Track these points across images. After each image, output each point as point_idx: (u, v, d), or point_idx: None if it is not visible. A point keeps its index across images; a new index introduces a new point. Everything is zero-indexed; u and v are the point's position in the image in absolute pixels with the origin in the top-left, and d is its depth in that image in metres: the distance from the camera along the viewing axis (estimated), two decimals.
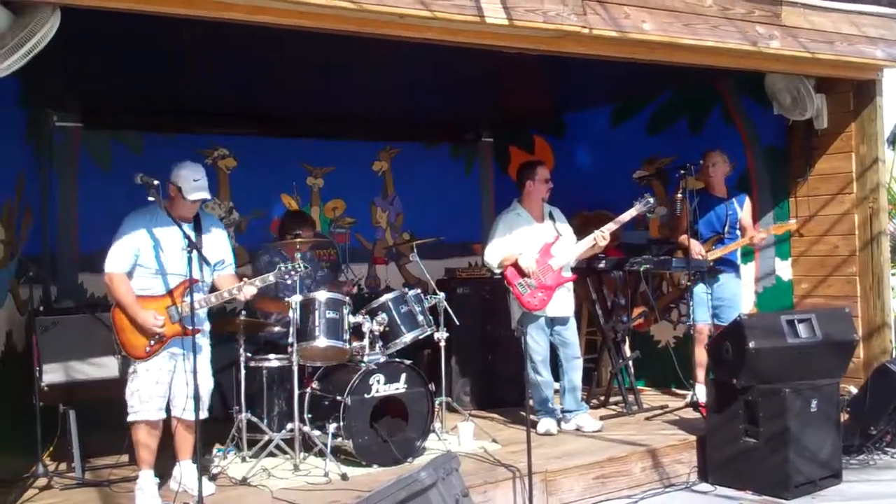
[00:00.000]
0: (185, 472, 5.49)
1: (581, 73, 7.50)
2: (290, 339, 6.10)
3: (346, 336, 6.29)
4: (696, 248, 7.39)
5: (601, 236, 6.82)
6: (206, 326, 5.65)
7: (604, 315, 8.04)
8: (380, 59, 6.80)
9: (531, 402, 6.85)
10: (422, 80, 7.97)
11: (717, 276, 7.55)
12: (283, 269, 5.74)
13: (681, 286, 7.51)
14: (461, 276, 8.54)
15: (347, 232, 9.99)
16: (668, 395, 8.24)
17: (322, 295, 6.31)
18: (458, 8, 5.15)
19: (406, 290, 6.84)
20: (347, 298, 6.43)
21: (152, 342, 5.33)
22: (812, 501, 5.83)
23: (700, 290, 7.49)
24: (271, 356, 6.55)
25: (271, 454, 6.08)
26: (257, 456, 6.03)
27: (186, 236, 5.07)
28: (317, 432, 6.11)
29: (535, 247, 6.86)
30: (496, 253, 6.88)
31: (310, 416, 6.25)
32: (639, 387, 8.01)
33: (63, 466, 6.13)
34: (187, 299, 5.10)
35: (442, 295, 6.93)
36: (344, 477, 5.68)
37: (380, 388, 6.13)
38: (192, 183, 5.37)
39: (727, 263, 7.62)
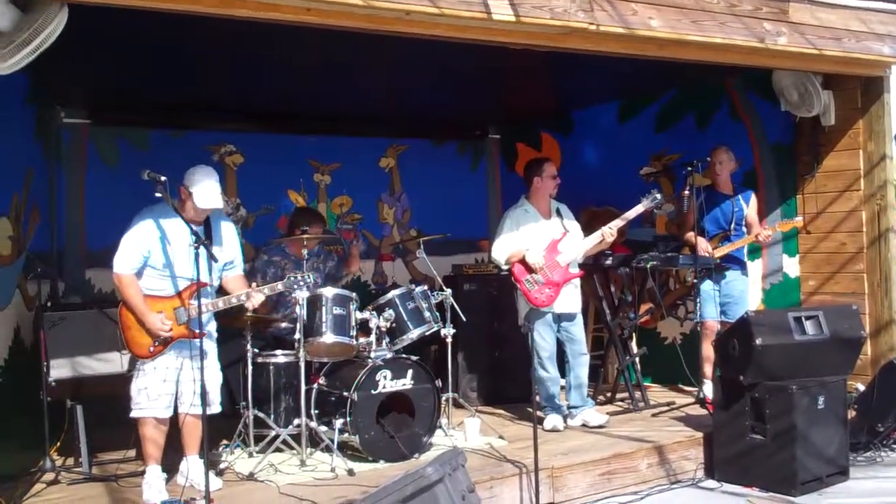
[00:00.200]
0: (191, 467, 5.50)
1: (588, 69, 7.49)
2: (297, 335, 6.12)
3: (353, 332, 6.30)
4: (703, 246, 7.38)
5: (609, 232, 6.82)
6: (213, 327, 5.66)
7: (610, 311, 8.04)
8: (387, 56, 6.79)
9: (538, 398, 6.86)
10: (429, 77, 7.96)
11: (724, 273, 7.55)
12: (292, 278, 5.76)
13: (688, 283, 7.49)
14: (468, 273, 8.55)
15: (354, 228, 9.99)
16: (675, 391, 8.24)
17: (329, 291, 6.32)
18: (465, 4, 5.15)
19: (413, 286, 6.85)
20: (354, 294, 6.44)
21: (157, 342, 5.34)
22: (819, 498, 5.81)
23: (708, 286, 7.48)
24: (278, 352, 6.57)
25: (278, 449, 6.10)
26: (264, 451, 6.04)
27: (194, 232, 5.08)
28: (323, 428, 6.13)
29: (543, 243, 6.86)
30: (503, 249, 6.88)
31: (316, 411, 6.26)
32: (645, 383, 8.00)
33: (70, 461, 6.15)
34: (195, 302, 5.10)
35: (449, 291, 6.93)
36: (350, 472, 5.69)
37: (386, 383, 6.14)
38: (206, 191, 5.36)
39: (734, 260, 7.62)
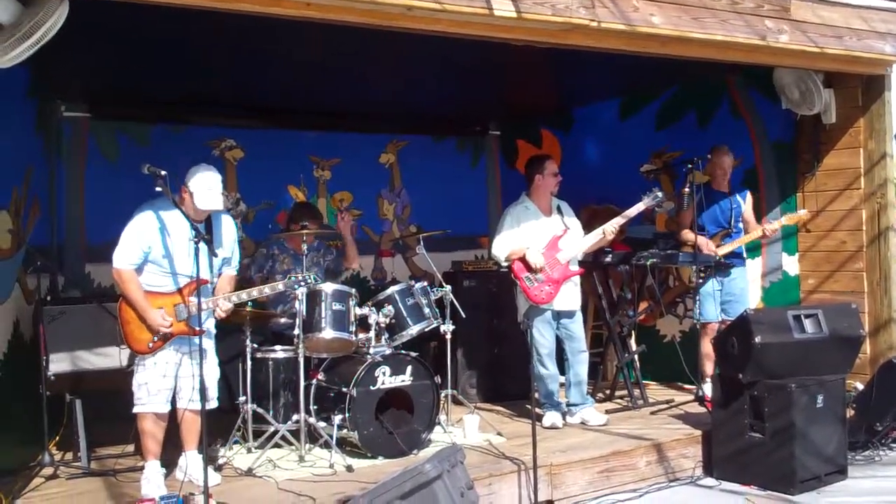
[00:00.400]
0: (190, 462, 5.50)
1: (589, 66, 7.49)
2: (296, 331, 6.11)
3: (353, 328, 6.30)
4: (707, 245, 7.38)
5: (610, 230, 6.83)
6: (212, 324, 5.66)
7: (610, 309, 8.04)
8: (388, 52, 6.79)
9: (537, 395, 6.86)
10: (430, 73, 7.96)
11: (729, 271, 7.55)
12: (293, 278, 5.76)
13: (692, 283, 7.46)
14: (468, 269, 8.54)
15: (354, 224, 9.98)
16: (674, 389, 8.23)
17: (328, 286, 6.31)
18: (467, 0, 5.14)
19: (412, 282, 6.84)
20: (354, 290, 6.44)
21: (156, 338, 5.34)
22: (817, 497, 5.81)
23: (710, 286, 7.48)
24: (277, 347, 6.57)
25: (277, 445, 6.10)
26: (263, 447, 6.04)
27: (195, 228, 5.07)
28: (322, 424, 6.14)
29: (543, 240, 6.86)
30: (504, 246, 6.88)
31: (315, 407, 6.26)
32: (644, 381, 7.99)
33: (69, 456, 6.15)
34: (194, 299, 5.10)
35: (448, 287, 6.92)
36: (349, 468, 5.69)
37: (385, 380, 6.14)
38: (206, 192, 5.35)
39: (737, 257, 7.62)
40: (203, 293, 5.17)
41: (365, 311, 6.40)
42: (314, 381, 6.36)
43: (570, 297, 6.91)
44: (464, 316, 6.99)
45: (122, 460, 5.97)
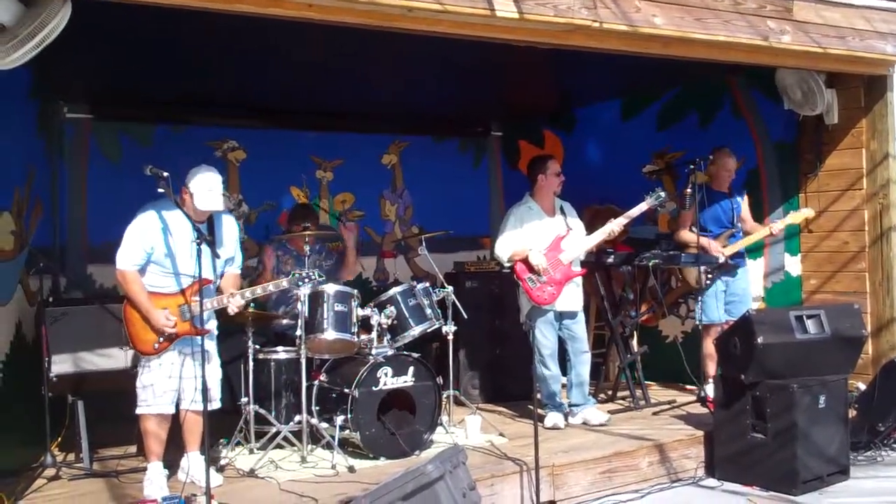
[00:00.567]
0: (192, 463, 5.51)
1: (591, 67, 7.49)
2: (298, 332, 6.12)
3: (355, 329, 6.31)
4: (715, 246, 7.37)
5: (617, 229, 6.83)
6: (214, 325, 5.66)
7: (612, 310, 8.04)
8: (389, 53, 6.78)
9: (539, 396, 6.86)
10: (431, 74, 7.96)
11: (735, 272, 7.55)
12: (297, 275, 5.75)
13: (699, 286, 7.43)
14: (470, 270, 8.54)
15: (356, 225, 9.97)
16: (676, 389, 8.22)
17: (331, 287, 6.31)
18: (468, 1, 5.14)
19: (414, 283, 6.85)
20: (356, 291, 6.44)
21: (161, 339, 5.34)
22: (819, 497, 5.81)
23: (716, 287, 7.47)
24: (279, 348, 6.57)
25: (279, 446, 6.10)
26: (265, 448, 6.05)
27: (197, 229, 5.08)
28: (324, 424, 6.14)
29: (546, 241, 6.86)
30: (507, 247, 6.88)
31: (317, 408, 6.26)
32: (646, 381, 7.99)
33: (71, 457, 6.15)
34: (198, 299, 5.10)
35: (450, 288, 6.92)
36: (351, 469, 5.69)
37: (387, 380, 6.14)
38: (206, 193, 5.34)
39: (740, 257, 7.62)
40: (206, 293, 5.17)
41: (367, 311, 6.40)
42: (316, 382, 6.36)
43: (572, 297, 6.91)
44: (466, 317, 6.99)
45: (124, 461, 5.97)
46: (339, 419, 6.00)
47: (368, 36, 5.47)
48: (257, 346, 6.42)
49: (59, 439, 6.23)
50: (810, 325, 6.15)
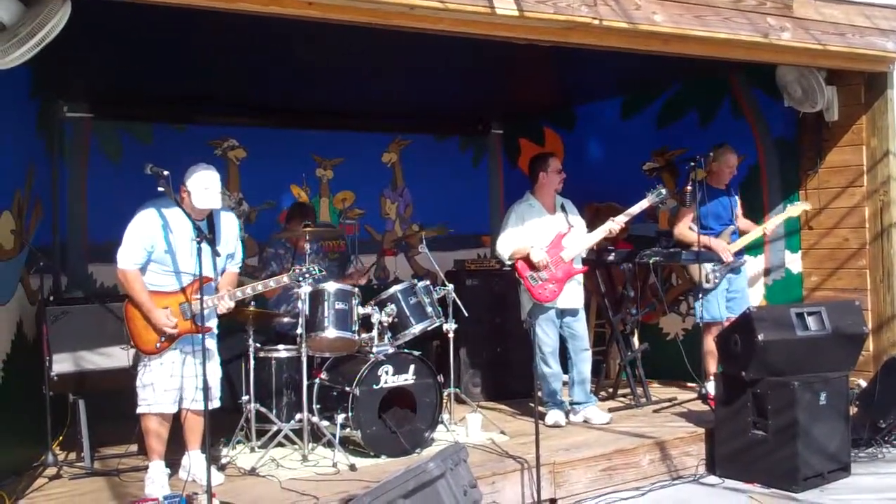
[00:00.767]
0: (193, 461, 5.51)
1: (591, 64, 7.48)
2: (299, 330, 6.12)
3: (355, 327, 6.31)
4: (723, 246, 7.37)
5: (616, 228, 6.83)
6: (214, 323, 5.65)
7: (612, 307, 8.03)
8: (390, 51, 6.78)
9: (540, 393, 6.85)
10: (432, 72, 7.95)
11: (739, 269, 7.55)
12: (297, 271, 5.74)
13: (708, 284, 7.40)
14: (470, 268, 8.54)
15: (357, 223, 9.98)
16: (677, 387, 8.22)
17: (331, 286, 6.32)
18: None
19: (415, 281, 6.84)
20: (356, 289, 6.44)
21: (163, 338, 5.34)
22: (820, 494, 5.80)
23: (721, 285, 7.47)
24: (280, 347, 6.58)
25: (280, 444, 6.10)
26: (266, 446, 6.05)
27: (197, 227, 5.08)
28: (325, 423, 6.14)
29: (547, 238, 6.86)
30: (508, 244, 6.88)
31: (318, 406, 6.26)
32: (647, 379, 7.98)
33: (72, 456, 6.16)
34: (199, 297, 5.09)
35: (451, 286, 6.93)
36: (352, 467, 5.69)
37: (388, 378, 6.14)
38: (203, 191, 5.34)
39: (740, 254, 7.62)
40: (206, 291, 5.17)
41: (368, 310, 6.40)
42: (317, 381, 6.36)
43: (573, 295, 6.91)
44: (466, 315, 7.00)
45: (125, 460, 5.97)
46: (340, 417, 6.00)
47: (369, 34, 5.47)
48: (258, 345, 6.43)
49: (61, 438, 6.25)
50: (811, 321, 6.15)
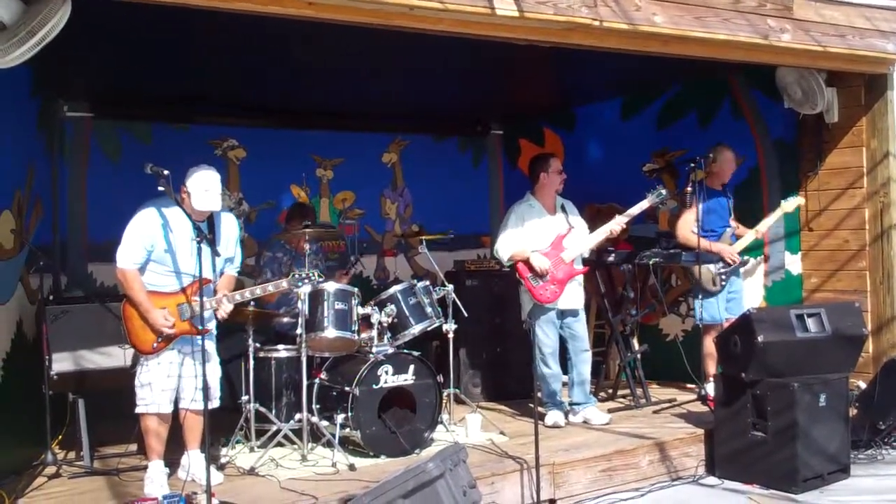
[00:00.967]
0: (193, 461, 5.51)
1: (591, 65, 7.48)
2: (298, 330, 6.12)
3: (355, 327, 6.31)
4: (730, 251, 7.37)
5: (617, 228, 6.83)
6: (213, 324, 5.64)
7: (612, 308, 8.03)
8: (389, 51, 6.78)
9: (539, 394, 6.85)
10: (432, 73, 7.95)
11: (738, 271, 7.56)
12: (296, 276, 5.75)
13: (715, 287, 7.39)
14: (470, 269, 8.53)
15: (357, 223, 9.99)
16: (676, 388, 8.21)
17: (331, 286, 6.32)
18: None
19: (415, 281, 6.84)
20: (356, 290, 6.44)
21: (160, 339, 5.34)
22: (820, 496, 5.80)
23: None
24: (280, 347, 6.58)
25: (279, 444, 6.10)
26: (265, 446, 6.05)
27: (197, 227, 5.08)
28: (325, 423, 6.14)
29: (548, 239, 6.86)
30: (507, 246, 6.87)
31: (318, 406, 6.26)
32: (646, 380, 7.97)
33: (72, 455, 6.17)
34: (197, 299, 5.09)
35: (451, 287, 6.93)
36: (352, 467, 5.69)
37: (388, 379, 6.14)
38: (203, 193, 5.33)
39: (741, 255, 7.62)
40: (205, 293, 5.17)
41: (367, 310, 6.40)
42: (317, 381, 6.36)
43: (574, 295, 6.91)
44: (466, 315, 7.00)
45: (125, 459, 5.97)
46: (340, 417, 6.01)
47: (369, 35, 5.47)
48: (258, 345, 6.42)
49: (60, 437, 6.24)
50: (811, 323, 6.15)
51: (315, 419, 6.13)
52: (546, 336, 6.83)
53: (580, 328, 7.00)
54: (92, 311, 6.29)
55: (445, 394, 6.70)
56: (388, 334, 6.50)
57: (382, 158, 10.40)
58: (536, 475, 5.52)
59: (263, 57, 7.05)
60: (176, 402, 5.47)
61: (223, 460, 5.92)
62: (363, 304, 6.46)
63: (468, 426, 6.62)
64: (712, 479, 6.24)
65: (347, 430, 6.03)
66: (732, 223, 7.60)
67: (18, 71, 4.73)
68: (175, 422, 5.52)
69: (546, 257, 6.77)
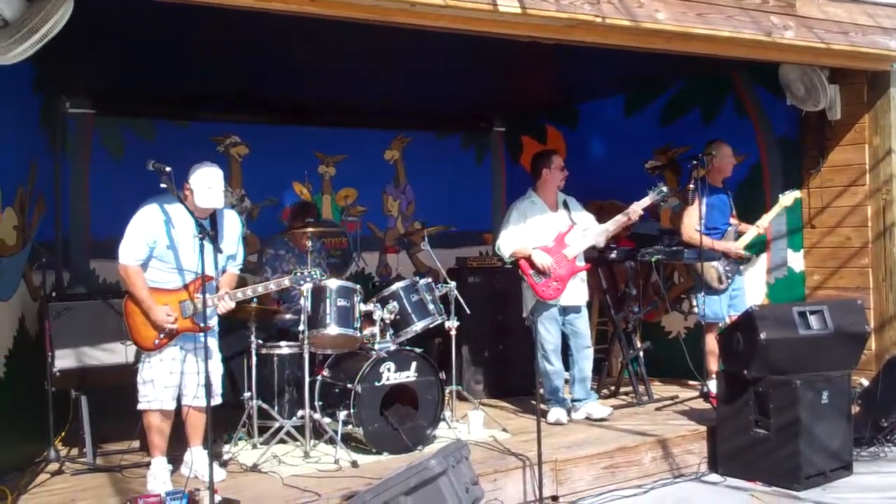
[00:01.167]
0: (196, 458, 5.51)
1: (594, 62, 7.46)
2: (301, 327, 6.12)
3: (357, 324, 6.31)
4: (735, 248, 7.36)
5: (636, 212, 6.79)
6: (215, 321, 5.65)
7: (615, 305, 8.03)
8: (391, 48, 6.78)
9: (542, 391, 6.86)
10: (434, 70, 7.95)
11: (739, 268, 7.55)
12: (298, 274, 5.75)
13: (721, 285, 7.38)
14: (472, 266, 8.53)
15: (359, 220, 9.99)
16: (679, 385, 8.22)
17: (333, 283, 6.32)
18: None
19: (417, 278, 6.84)
20: (358, 286, 6.44)
21: (162, 335, 5.34)
22: (822, 493, 5.80)
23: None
24: (282, 343, 6.58)
25: (282, 441, 6.12)
26: (268, 443, 6.06)
27: (199, 224, 5.08)
28: (327, 419, 6.14)
29: (549, 235, 6.86)
30: (509, 243, 6.87)
31: (320, 403, 6.27)
32: (649, 377, 7.97)
33: (74, 451, 6.17)
34: (200, 296, 5.09)
35: (453, 284, 6.93)
36: (354, 464, 5.70)
37: (390, 376, 6.15)
38: (205, 190, 5.33)
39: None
40: (208, 290, 5.17)
41: (370, 307, 6.41)
42: (319, 377, 6.36)
43: (576, 292, 6.91)
44: (468, 312, 7.00)
45: (127, 456, 5.98)
46: (342, 414, 6.01)
47: (371, 31, 5.46)
48: (260, 342, 6.42)
49: (63, 434, 6.25)
50: (813, 320, 6.14)
51: (317, 416, 6.13)
52: (548, 333, 6.83)
53: (582, 325, 7.00)
54: (94, 308, 6.30)
55: (448, 390, 6.69)
56: (391, 331, 6.50)
57: (385, 155, 10.39)
58: (539, 472, 5.51)
59: (265, 54, 7.04)
60: (178, 399, 5.47)
61: (226, 457, 5.94)
62: (365, 300, 6.46)
63: (470, 423, 6.62)
64: (715, 477, 6.24)
65: (350, 426, 6.04)
66: (733, 220, 7.59)
67: (21, 67, 4.73)
68: (177, 418, 5.52)
69: (548, 254, 6.77)
